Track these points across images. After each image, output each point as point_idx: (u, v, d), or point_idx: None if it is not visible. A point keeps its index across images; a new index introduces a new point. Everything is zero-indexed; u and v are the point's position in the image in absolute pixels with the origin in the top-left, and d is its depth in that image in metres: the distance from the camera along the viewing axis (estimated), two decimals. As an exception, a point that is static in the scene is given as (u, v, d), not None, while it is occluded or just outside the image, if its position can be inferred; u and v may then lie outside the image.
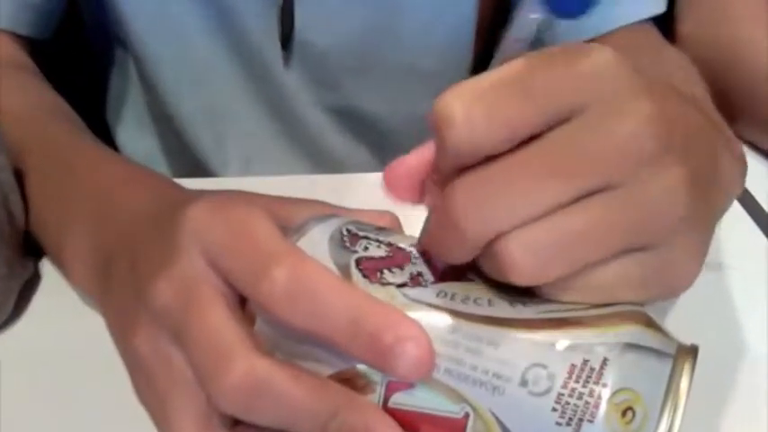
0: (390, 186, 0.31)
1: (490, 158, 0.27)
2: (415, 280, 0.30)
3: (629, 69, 0.28)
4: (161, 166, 0.75)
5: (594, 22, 0.64)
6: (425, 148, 0.31)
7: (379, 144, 0.75)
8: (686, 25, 0.69)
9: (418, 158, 0.31)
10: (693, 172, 0.29)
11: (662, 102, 0.28)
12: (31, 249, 0.48)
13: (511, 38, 0.29)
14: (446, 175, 0.28)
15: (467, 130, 0.27)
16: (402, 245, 0.32)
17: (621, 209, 0.28)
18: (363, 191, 0.54)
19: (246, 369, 0.29)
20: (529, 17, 0.28)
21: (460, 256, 0.29)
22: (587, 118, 0.27)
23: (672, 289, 0.30)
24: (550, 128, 0.27)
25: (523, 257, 0.27)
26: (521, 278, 0.28)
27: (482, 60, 0.76)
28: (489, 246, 0.28)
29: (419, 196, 0.31)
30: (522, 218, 0.27)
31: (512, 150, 0.27)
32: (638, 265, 0.29)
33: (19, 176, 0.48)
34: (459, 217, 0.27)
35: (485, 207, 0.27)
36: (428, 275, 0.31)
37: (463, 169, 0.28)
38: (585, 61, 0.28)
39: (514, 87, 0.27)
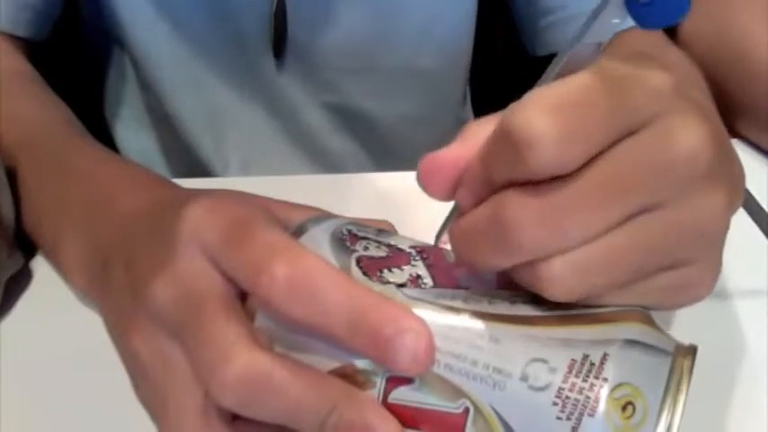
0: (425, 179, 0.29)
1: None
2: (415, 282, 0.30)
3: (680, 89, 0.28)
4: (159, 166, 0.75)
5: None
6: (464, 143, 0.29)
7: (378, 143, 0.75)
8: (689, 22, 0.69)
9: (455, 155, 0.29)
10: (731, 191, 0.29)
11: (710, 123, 0.28)
12: (24, 247, 0.48)
13: (587, 41, 0.28)
14: (496, 184, 0.27)
15: (554, 152, 0.25)
16: (402, 246, 0.32)
17: (670, 230, 0.27)
18: (362, 191, 0.54)
19: (246, 364, 0.29)
20: (611, 22, 0.27)
21: (499, 265, 0.28)
22: (648, 136, 0.27)
23: (694, 298, 0.31)
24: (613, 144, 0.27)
25: (567, 277, 0.27)
26: (560, 296, 0.27)
27: (478, 61, 0.76)
28: (533, 261, 0.27)
29: (451, 194, 0.30)
30: (579, 240, 0.26)
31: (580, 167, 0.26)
32: (669, 280, 0.29)
33: (14, 175, 0.48)
34: (514, 229, 0.26)
35: (546, 226, 0.26)
36: (427, 278, 0.31)
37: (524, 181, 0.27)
38: (650, 79, 0.27)
39: (593, 105, 0.26)
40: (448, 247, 0.30)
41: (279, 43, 0.66)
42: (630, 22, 0.27)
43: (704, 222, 0.28)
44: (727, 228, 0.29)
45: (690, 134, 0.27)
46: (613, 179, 0.26)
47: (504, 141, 0.26)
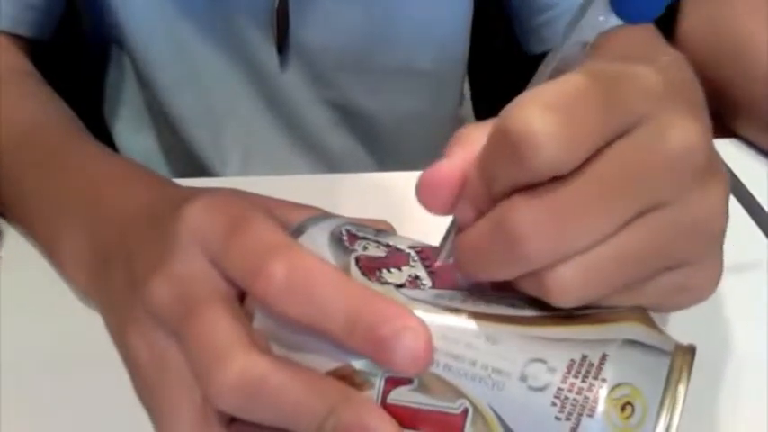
0: (426, 197, 0.29)
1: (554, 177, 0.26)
2: (413, 282, 0.30)
3: (671, 89, 0.28)
4: (159, 164, 0.75)
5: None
6: (458, 155, 0.29)
7: (378, 141, 0.75)
8: (687, 21, 0.69)
9: (453, 168, 0.28)
10: (726, 188, 0.29)
11: (701, 121, 0.28)
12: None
13: (573, 41, 0.28)
14: (498, 192, 0.27)
15: (555, 150, 0.25)
16: (401, 247, 0.32)
17: (671, 230, 0.27)
18: (362, 191, 0.54)
19: (242, 368, 0.29)
20: (597, 19, 0.27)
21: (510, 275, 0.27)
22: (643, 134, 0.27)
23: (697, 298, 0.31)
24: (608, 144, 0.26)
25: (575, 284, 0.27)
26: (568, 302, 0.27)
27: (477, 59, 0.76)
28: (540, 269, 0.27)
29: (452, 209, 0.29)
30: (585, 244, 0.26)
31: (579, 169, 0.26)
32: (672, 279, 0.29)
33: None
34: (520, 239, 0.26)
35: (553, 232, 0.26)
36: (426, 279, 0.31)
37: (525, 186, 0.26)
38: (642, 79, 0.27)
39: (590, 103, 0.26)
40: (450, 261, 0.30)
41: (281, 40, 0.66)
42: (618, 21, 0.27)
43: (705, 219, 0.28)
44: (726, 225, 0.29)
45: (684, 131, 0.27)
46: (613, 179, 0.26)
47: (503, 143, 0.26)
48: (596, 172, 0.26)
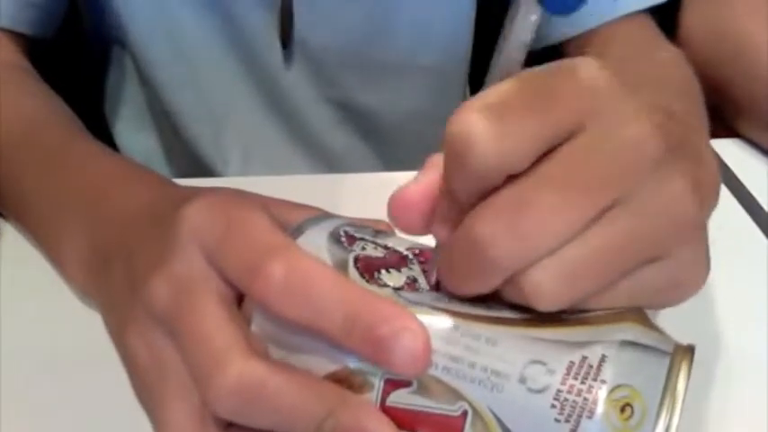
0: (397, 217, 0.30)
1: (508, 182, 0.26)
2: (411, 285, 0.30)
3: (615, 79, 0.28)
4: (160, 164, 0.75)
5: (592, 13, 0.64)
6: (427, 173, 0.29)
7: (380, 140, 0.75)
8: (689, 20, 0.69)
9: (422, 186, 0.29)
10: (692, 176, 0.29)
11: (650, 112, 0.28)
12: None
13: (512, 44, 0.28)
14: (462, 204, 0.27)
15: (493, 147, 0.25)
16: (399, 248, 0.33)
17: (638, 222, 0.27)
18: (362, 191, 0.54)
19: (240, 373, 0.28)
20: (529, 19, 0.28)
21: (487, 286, 0.28)
22: (592, 131, 0.27)
23: (685, 293, 0.30)
24: (557, 144, 0.27)
25: (549, 285, 0.27)
26: (548, 305, 0.27)
27: (479, 59, 0.76)
28: (515, 274, 0.27)
29: (425, 228, 0.29)
30: (553, 243, 0.26)
31: (529, 170, 0.26)
32: (653, 275, 0.29)
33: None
34: (488, 245, 0.26)
35: (517, 233, 0.26)
36: (424, 282, 0.31)
37: (483, 196, 0.27)
38: (580, 75, 0.27)
39: (528, 101, 0.26)
40: None
41: (286, 37, 0.66)
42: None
43: (669, 208, 0.28)
44: (696, 212, 0.29)
45: (632, 124, 0.27)
46: (566, 177, 0.26)
47: (448, 150, 0.26)
48: (547, 172, 0.26)
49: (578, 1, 0.27)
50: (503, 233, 0.26)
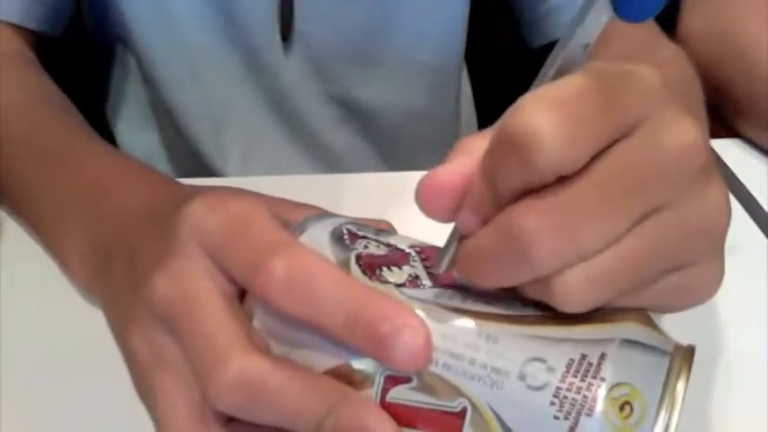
0: (425, 202, 0.28)
1: (558, 179, 0.26)
2: (413, 282, 0.30)
3: (668, 89, 0.28)
4: (161, 162, 0.75)
5: None
6: (459, 158, 0.28)
7: (379, 138, 0.75)
8: (689, 20, 0.70)
9: (453, 172, 0.28)
10: (725, 189, 0.29)
11: (699, 121, 0.28)
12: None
13: (575, 43, 0.28)
14: (503, 196, 0.27)
15: (560, 147, 0.25)
16: (401, 246, 0.33)
17: (675, 231, 0.27)
18: (362, 191, 0.54)
19: (241, 368, 0.28)
20: (599, 20, 0.27)
21: (517, 280, 0.27)
22: (644, 135, 0.26)
23: (699, 300, 0.30)
24: (609, 145, 0.26)
25: (582, 289, 0.26)
26: (573, 307, 0.27)
27: (480, 57, 0.76)
28: (547, 275, 0.26)
29: (453, 215, 0.28)
30: (596, 247, 0.26)
31: (580, 170, 0.26)
32: (674, 282, 0.29)
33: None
34: (530, 242, 0.25)
35: (563, 233, 0.25)
36: (426, 279, 0.31)
37: (528, 191, 0.26)
38: (641, 79, 0.27)
39: (595, 103, 0.26)
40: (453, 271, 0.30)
41: (286, 29, 0.66)
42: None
43: (707, 218, 0.28)
44: (728, 225, 0.29)
45: (683, 130, 0.27)
46: (617, 181, 0.26)
47: (507, 143, 0.26)
48: (600, 174, 0.26)
49: (655, 6, 0.26)
50: (549, 231, 0.25)
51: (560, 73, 0.27)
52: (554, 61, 0.28)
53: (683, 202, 0.27)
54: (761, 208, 0.55)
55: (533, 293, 0.28)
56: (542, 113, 0.25)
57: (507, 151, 0.26)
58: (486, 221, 0.27)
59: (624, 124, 0.26)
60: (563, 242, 0.26)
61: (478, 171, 0.27)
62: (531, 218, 0.26)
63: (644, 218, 0.27)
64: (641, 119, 0.27)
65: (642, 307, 0.29)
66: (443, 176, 0.28)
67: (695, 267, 0.29)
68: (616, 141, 0.26)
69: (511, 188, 0.26)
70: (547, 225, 0.25)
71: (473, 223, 0.28)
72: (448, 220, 0.29)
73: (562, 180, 0.26)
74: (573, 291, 0.26)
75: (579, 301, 0.27)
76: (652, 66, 0.28)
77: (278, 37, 0.67)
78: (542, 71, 0.28)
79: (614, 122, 0.26)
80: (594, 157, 0.26)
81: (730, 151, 0.61)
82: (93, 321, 0.39)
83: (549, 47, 0.28)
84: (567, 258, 0.26)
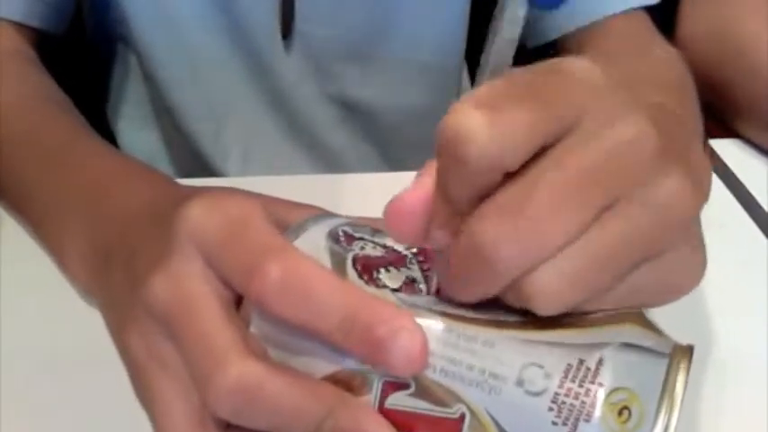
0: (394, 228, 0.28)
1: (506, 182, 0.26)
2: (410, 286, 0.30)
3: (607, 75, 0.28)
4: (162, 162, 0.75)
5: (587, 8, 0.64)
6: (423, 179, 0.28)
7: (379, 138, 0.75)
8: (689, 20, 0.69)
9: (418, 193, 0.28)
10: (686, 171, 0.28)
11: (644, 108, 0.28)
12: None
13: (501, 40, 0.28)
14: (460, 207, 0.27)
15: (489, 139, 0.25)
16: (398, 247, 0.32)
17: (638, 219, 0.27)
18: (363, 191, 0.54)
19: (239, 374, 0.28)
20: (517, 15, 0.28)
21: (490, 291, 0.27)
22: (588, 128, 0.26)
23: (683, 289, 0.30)
24: (553, 141, 0.26)
25: (555, 288, 0.26)
26: (550, 309, 0.27)
27: (476, 57, 0.76)
28: (517, 280, 0.26)
29: (423, 238, 0.28)
30: (558, 244, 0.26)
31: (526, 170, 0.26)
32: (652, 272, 0.28)
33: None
34: (490, 250, 0.25)
35: (520, 235, 0.25)
36: (422, 284, 0.31)
37: (480, 198, 0.26)
38: (572, 71, 0.27)
39: (523, 96, 0.26)
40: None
41: (286, 28, 0.66)
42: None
43: (669, 204, 0.27)
44: (693, 208, 0.28)
45: (626, 123, 0.27)
46: (565, 176, 0.26)
47: (444, 149, 0.26)
48: (546, 171, 0.26)
49: None
50: (505, 237, 0.25)
51: (494, 72, 0.27)
52: (485, 61, 0.28)
53: (639, 190, 0.27)
54: (761, 208, 0.55)
55: (511, 300, 0.27)
56: (473, 112, 0.25)
57: (446, 156, 0.26)
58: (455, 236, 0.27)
59: (560, 116, 0.26)
60: (522, 242, 0.25)
61: (435, 186, 0.27)
62: (487, 223, 0.26)
63: (605, 210, 0.26)
64: (582, 113, 0.26)
65: (629, 303, 0.29)
66: (408, 200, 0.28)
67: (670, 255, 0.28)
68: (561, 136, 0.26)
69: (463, 195, 0.26)
70: (500, 231, 0.25)
71: (444, 240, 0.28)
72: (419, 243, 0.28)
73: (512, 181, 0.26)
74: (546, 290, 0.26)
75: (555, 301, 0.27)
76: (593, 60, 0.28)
77: (279, 36, 0.67)
78: (477, 75, 0.29)
79: (546, 114, 0.26)
80: (540, 154, 0.26)
81: (730, 151, 0.61)
82: (93, 321, 0.39)
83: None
84: (530, 259, 0.26)
